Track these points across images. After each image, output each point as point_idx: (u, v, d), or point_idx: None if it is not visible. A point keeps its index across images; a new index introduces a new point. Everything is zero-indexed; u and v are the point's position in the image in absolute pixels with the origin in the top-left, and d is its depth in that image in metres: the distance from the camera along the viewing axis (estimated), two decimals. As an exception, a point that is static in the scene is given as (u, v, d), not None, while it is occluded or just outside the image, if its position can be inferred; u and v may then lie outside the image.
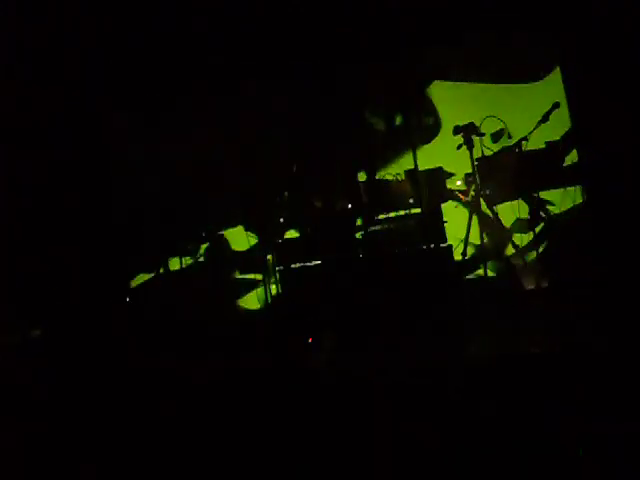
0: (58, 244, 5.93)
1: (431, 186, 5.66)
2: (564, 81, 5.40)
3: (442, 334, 4.50)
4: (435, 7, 5.56)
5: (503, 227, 5.65)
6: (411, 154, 5.51)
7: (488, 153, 5.62)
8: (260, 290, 6.20)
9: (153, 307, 6.30)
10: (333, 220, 5.94)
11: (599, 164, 5.14)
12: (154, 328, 5.71)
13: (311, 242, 5.85)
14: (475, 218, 5.65)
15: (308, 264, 5.73)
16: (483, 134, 5.54)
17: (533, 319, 4.51)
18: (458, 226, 5.64)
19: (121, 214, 6.43)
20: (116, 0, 5.82)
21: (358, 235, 5.84)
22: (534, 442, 2.69)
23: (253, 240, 6.43)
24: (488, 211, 5.66)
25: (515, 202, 5.54)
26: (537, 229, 5.48)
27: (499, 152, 5.62)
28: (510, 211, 5.62)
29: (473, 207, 5.67)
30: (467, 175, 5.75)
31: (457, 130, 5.58)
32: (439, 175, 5.72)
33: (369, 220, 5.77)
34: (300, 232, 6.16)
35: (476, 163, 5.56)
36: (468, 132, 5.51)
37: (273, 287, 6.08)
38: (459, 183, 5.84)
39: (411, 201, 5.66)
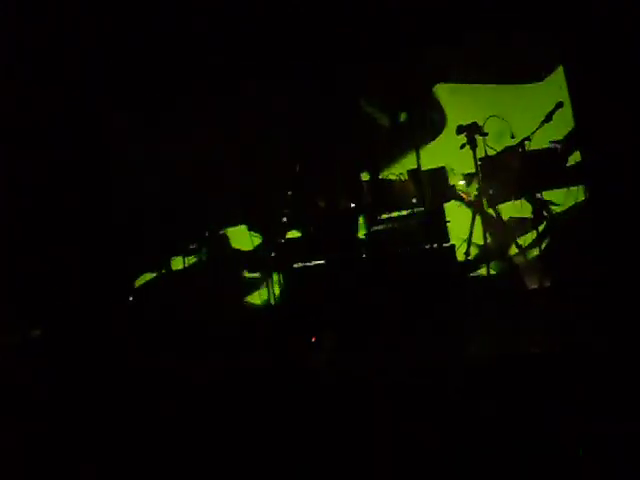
0: (58, 244, 5.93)
1: (434, 186, 5.66)
2: (567, 81, 5.40)
3: (442, 334, 4.50)
4: (435, 7, 5.55)
5: (506, 227, 5.64)
6: (414, 154, 5.51)
7: (491, 153, 5.61)
8: (262, 290, 6.20)
9: (154, 307, 6.31)
10: (336, 220, 5.93)
11: (602, 164, 5.14)
12: (154, 328, 5.71)
13: (314, 242, 5.85)
14: (478, 218, 5.64)
15: (311, 264, 5.73)
16: (486, 134, 5.52)
17: (533, 319, 4.50)
18: (461, 226, 5.64)
19: (121, 214, 6.43)
20: (116, 0, 5.82)
21: (361, 235, 5.85)
22: (534, 442, 2.69)
23: (257, 240, 6.42)
24: (491, 211, 5.66)
25: (518, 202, 5.53)
26: (540, 228, 5.47)
27: (502, 152, 5.60)
28: (513, 211, 5.62)
29: (476, 207, 5.67)
30: (466, 175, 5.75)
31: (460, 130, 5.56)
32: (442, 175, 5.72)
33: (372, 220, 5.76)
34: (303, 232, 6.15)
35: (479, 163, 5.55)
36: (471, 132, 5.50)
37: (276, 287, 6.07)
38: (462, 183, 5.83)
39: (414, 201, 5.66)
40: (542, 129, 5.44)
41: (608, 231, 5.00)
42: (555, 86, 5.60)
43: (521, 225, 5.63)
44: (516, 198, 5.54)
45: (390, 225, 5.67)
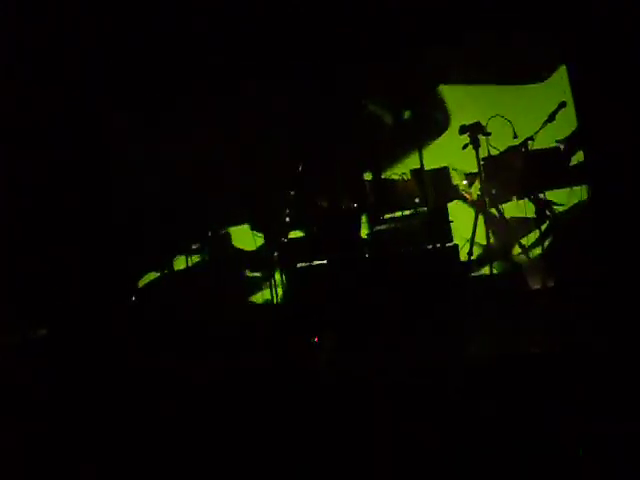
0: (58, 244, 5.93)
1: (437, 186, 5.65)
2: (570, 81, 5.40)
3: (442, 334, 4.50)
4: (435, 7, 5.55)
5: (509, 227, 5.64)
6: (417, 153, 5.51)
7: (494, 153, 5.60)
8: (265, 290, 6.20)
9: (154, 306, 6.31)
10: (339, 220, 5.93)
11: (604, 163, 5.14)
12: (155, 328, 5.71)
13: (316, 242, 5.85)
14: (481, 218, 5.64)
15: (313, 263, 5.73)
16: (489, 133, 5.51)
17: (533, 319, 4.50)
18: (464, 226, 5.63)
19: (121, 214, 6.43)
20: (116, 0, 5.82)
21: (364, 235, 5.84)
22: (534, 442, 2.69)
23: (260, 240, 6.42)
24: (494, 210, 5.66)
25: (521, 201, 5.53)
26: (542, 228, 5.47)
27: (505, 152, 5.60)
28: (516, 210, 5.62)
29: (479, 207, 5.66)
30: (469, 175, 5.74)
31: (463, 130, 5.55)
32: (445, 175, 5.72)
33: (375, 220, 5.76)
34: (305, 232, 6.15)
35: (482, 162, 5.54)
36: (474, 132, 5.49)
37: (278, 287, 6.07)
38: (465, 182, 5.82)
39: (417, 201, 5.65)
40: (545, 129, 5.44)
41: (609, 231, 5.00)
42: (557, 86, 5.60)
43: (524, 225, 5.63)
44: (519, 198, 5.54)
45: (393, 225, 5.66)
